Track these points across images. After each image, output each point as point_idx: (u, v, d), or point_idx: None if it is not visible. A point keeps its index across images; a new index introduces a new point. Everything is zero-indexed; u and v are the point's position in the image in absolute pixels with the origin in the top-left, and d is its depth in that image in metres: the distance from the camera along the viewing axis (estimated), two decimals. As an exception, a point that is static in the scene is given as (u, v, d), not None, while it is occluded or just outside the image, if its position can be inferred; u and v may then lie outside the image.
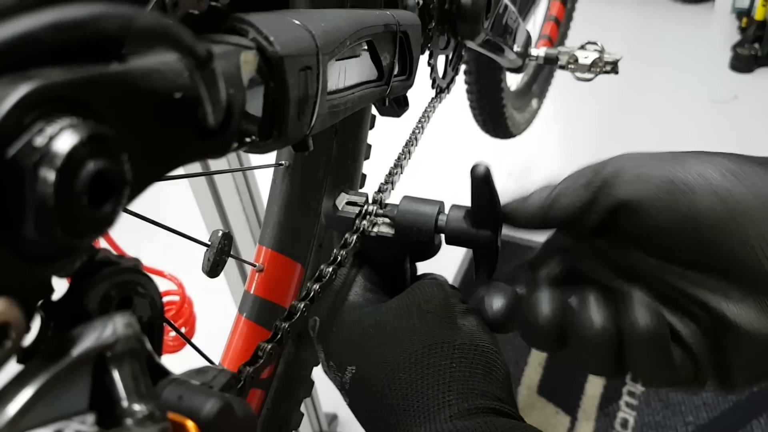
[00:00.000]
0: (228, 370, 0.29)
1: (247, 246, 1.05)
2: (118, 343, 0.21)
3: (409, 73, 0.55)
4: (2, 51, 0.16)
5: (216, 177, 1.00)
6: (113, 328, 0.21)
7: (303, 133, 0.32)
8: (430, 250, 0.55)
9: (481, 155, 1.60)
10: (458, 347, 0.44)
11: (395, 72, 0.52)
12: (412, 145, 0.63)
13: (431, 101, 0.71)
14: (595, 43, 0.81)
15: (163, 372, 0.25)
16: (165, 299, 0.89)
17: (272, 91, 0.29)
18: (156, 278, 0.27)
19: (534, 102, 1.59)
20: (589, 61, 0.79)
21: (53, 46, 0.17)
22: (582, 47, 0.81)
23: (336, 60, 0.39)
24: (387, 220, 0.50)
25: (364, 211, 0.50)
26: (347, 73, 0.43)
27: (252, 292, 0.59)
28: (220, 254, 0.49)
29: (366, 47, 0.47)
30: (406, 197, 0.51)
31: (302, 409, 0.79)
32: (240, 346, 0.57)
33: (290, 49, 0.29)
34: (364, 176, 0.66)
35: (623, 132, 2.29)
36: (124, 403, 0.21)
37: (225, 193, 1.02)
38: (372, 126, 0.65)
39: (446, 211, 0.50)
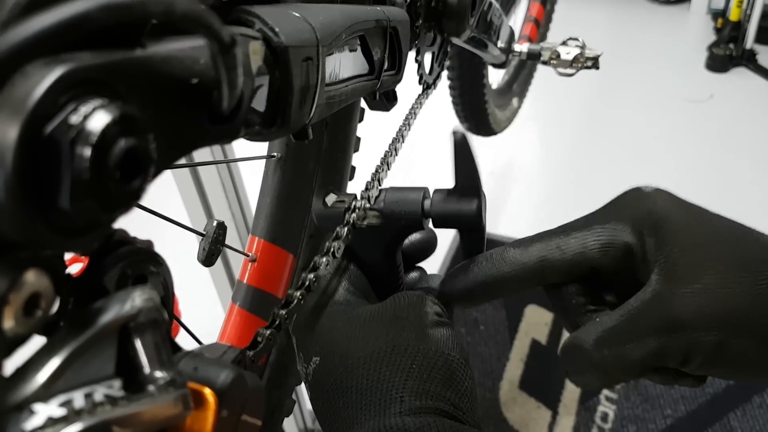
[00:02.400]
0: (236, 347, 0.30)
1: (233, 237, 1.06)
2: (141, 314, 0.22)
3: (398, 68, 0.57)
4: (64, 29, 0.17)
5: (200, 169, 1.00)
6: (136, 300, 0.22)
7: (303, 122, 0.34)
8: (426, 249, 0.56)
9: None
10: (422, 351, 0.44)
11: (385, 67, 0.54)
12: (398, 142, 0.64)
13: (418, 97, 0.73)
14: (576, 39, 0.83)
15: (176, 347, 0.26)
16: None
17: (276, 81, 0.30)
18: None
19: (515, 101, 1.61)
20: (570, 57, 0.81)
21: (98, 29, 0.18)
22: (564, 43, 0.83)
23: (331, 53, 0.41)
24: (375, 213, 0.51)
25: (353, 206, 0.51)
26: (341, 66, 0.44)
27: (245, 281, 0.60)
28: (215, 244, 0.50)
29: (358, 42, 0.49)
30: (390, 187, 0.52)
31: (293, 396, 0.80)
32: (234, 334, 0.58)
33: (294, 40, 0.30)
34: (353, 168, 0.68)
35: (600, 131, 2.33)
36: (147, 370, 0.22)
37: (209, 184, 1.03)
38: (361, 119, 0.67)
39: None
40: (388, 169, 0.60)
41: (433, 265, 1.97)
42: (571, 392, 1.60)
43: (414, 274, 0.57)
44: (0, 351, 0.19)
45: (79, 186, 0.18)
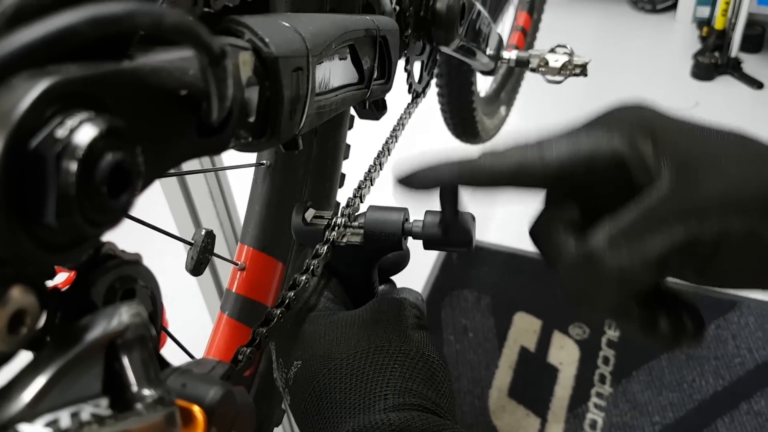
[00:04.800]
0: (225, 362, 0.29)
1: (221, 245, 1.05)
2: (128, 331, 0.21)
3: (387, 77, 0.57)
4: (50, 42, 0.17)
5: (188, 177, 1.00)
6: (123, 316, 0.21)
7: (294, 133, 0.33)
8: (399, 264, 0.56)
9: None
10: (404, 351, 0.45)
11: (375, 76, 0.53)
12: (383, 156, 0.64)
13: (407, 107, 0.73)
14: (564, 46, 0.83)
15: (164, 363, 0.26)
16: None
17: (266, 91, 0.30)
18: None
19: (502, 109, 1.62)
20: (559, 64, 0.81)
21: (85, 41, 0.18)
22: (552, 50, 0.83)
23: (321, 63, 0.40)
24: (356, 231, 0.51)
25: (333, 223, 0.51)
26: (331, 75, 0.44)
27: (234, 290, 0.59)
28: (203, 253, 0.50)
29: (348, 51, 0.48)
30: (371, 207, 0.52)
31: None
32: (222, 344, 0.58)
33: (284, 51, 0.30)
34: (343, 176, 0.67)
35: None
36: (135, 388, 0.21)
37: (197, 193, 1.02)
38: (351, 127, 0.66)
39: (410, 218, 0.52)
40: (372, 185, 0.60)
41: (416, 286, 1.97)
42: (559, 399, 1.60)
43: (384, 287, 0.57)
44: (-17, 369, 0.18)
45: (65, 201, 0.18)
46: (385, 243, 0.51)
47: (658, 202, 0.36)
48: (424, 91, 0.73)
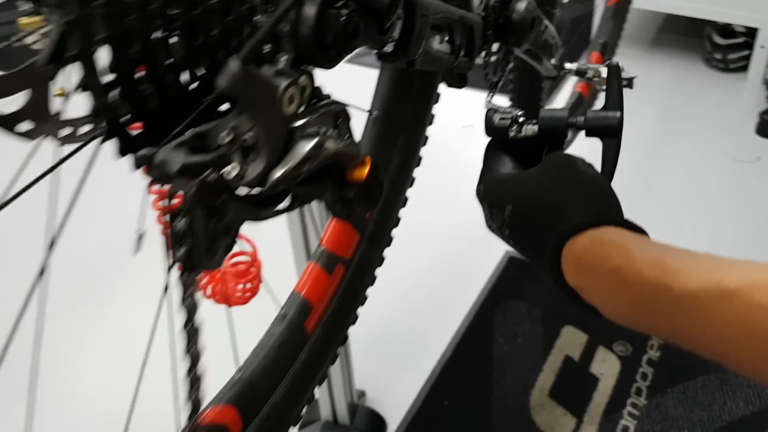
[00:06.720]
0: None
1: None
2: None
3: (470, 57, 0.77)
4: None
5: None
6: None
7: (414, 56, 0.54)
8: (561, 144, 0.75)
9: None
10: (582, 174, 0.65)
11: (462, 54, 0.74)
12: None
13: (487, 95, 0.93)
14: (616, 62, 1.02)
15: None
16: (237, 259, 1.10)
17: (407, 22, 0.51)
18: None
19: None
20: (599, 73, 1.01)
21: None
22: (605, 65, 1.02)
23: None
24: (532, 125, 0.72)
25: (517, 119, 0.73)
26: (435, 43, 0.65)
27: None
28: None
29: (447, 30, 0.70)
30: (544, 108, 0.73)
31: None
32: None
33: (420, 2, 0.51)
34: (426, 138, 0.88)
35: (646, 184, 2.47)
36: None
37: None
38: (437, 101, 0.87)
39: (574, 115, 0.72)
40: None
41: (474, 293, 2.12)
42: (596, 404, 1.72)
43: None
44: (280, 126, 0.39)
45: (340, 35, 0.39)
46: (553, 133, 0.71)
47: None
48: (498, 83, 0.93)
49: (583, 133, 0.71)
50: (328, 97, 0.45)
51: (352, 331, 1.40)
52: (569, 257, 0.58)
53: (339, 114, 0.45)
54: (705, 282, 0.48)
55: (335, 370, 1.53)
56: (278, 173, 0.40)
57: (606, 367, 1.82)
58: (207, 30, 0.40)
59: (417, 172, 0.88)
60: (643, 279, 0.52)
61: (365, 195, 0.46)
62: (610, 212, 0.61)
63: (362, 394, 1.73)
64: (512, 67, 0.99)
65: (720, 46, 3.10)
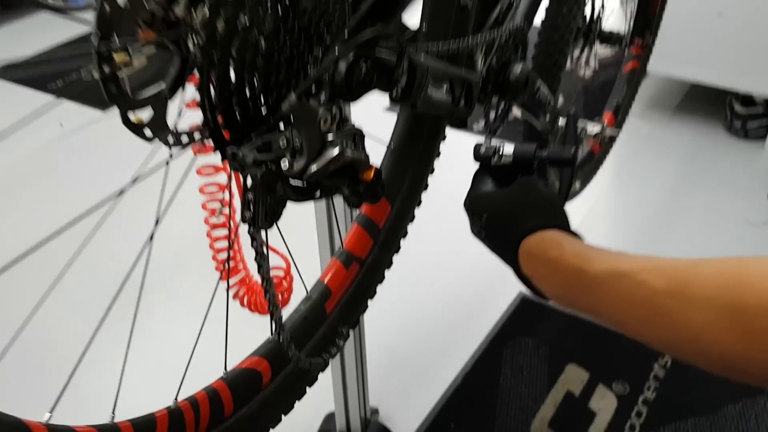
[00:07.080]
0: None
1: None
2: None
3: (469, 106, 0.98)
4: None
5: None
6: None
7: (416, 100, 0.76)
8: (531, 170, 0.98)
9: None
10: (542, 193, 0.86)
11: (461, 103, 0.96)
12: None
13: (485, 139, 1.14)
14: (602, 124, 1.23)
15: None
16: (273, 273, 1.30)
17: (411, 76, 0.72)
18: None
19: (577, 183, 1.94)
20: (594, 132, 1.21)
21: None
22: (593, 123, 1.23)
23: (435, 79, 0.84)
24: (506, 156, 0.96)
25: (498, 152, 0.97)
26: (437, 93, 0.87)
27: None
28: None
29: (449, 83, 0.92)
30: (517, 143, 0.98)
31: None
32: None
33: (423, 62, 0.74)
34: (433, 169, 1.10)
35: (656, 243, 2.61)
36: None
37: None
38: (444, 138, 1.09)
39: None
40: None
41: (486, 328, 2.27)
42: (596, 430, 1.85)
43: None
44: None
45: (360, 83, 0.61)
46: (525, 162, 0.95)
47: None
48: (496, 130, 1.14)
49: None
50: (351, 123, 0.67)
51: (371, 352, 1.60)
52: (523, 251, 0.78)
53: (356, 134, 0.66)
54: (608, 266, 0.67)
55: (351, 386, 1.68)
56: (314, 168, 0.62)
57: (604, 403, 1.93)
58: (277, 75, 0.62)
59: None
60: (569, 266, 0.71)
61: (371, 191, 0.67)
62: (556, 220, 0.81)
63: (375, 411, 1.87)
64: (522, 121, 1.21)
65: (740, 115, 3.22)
